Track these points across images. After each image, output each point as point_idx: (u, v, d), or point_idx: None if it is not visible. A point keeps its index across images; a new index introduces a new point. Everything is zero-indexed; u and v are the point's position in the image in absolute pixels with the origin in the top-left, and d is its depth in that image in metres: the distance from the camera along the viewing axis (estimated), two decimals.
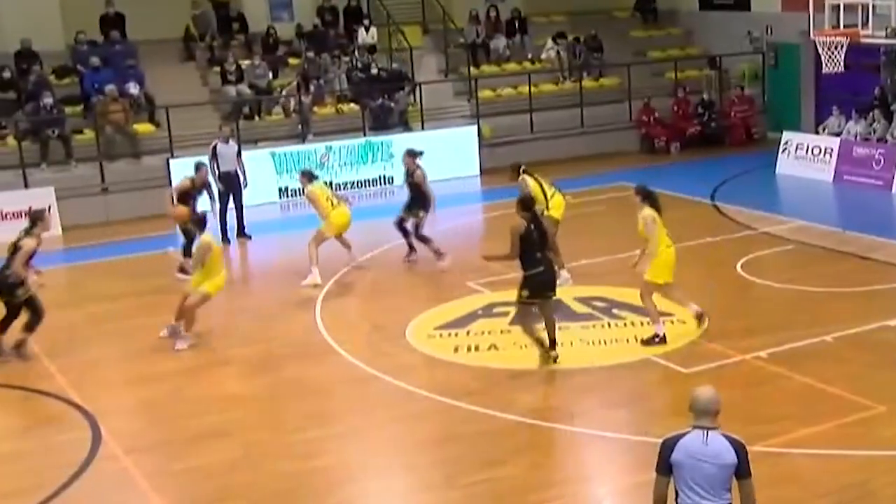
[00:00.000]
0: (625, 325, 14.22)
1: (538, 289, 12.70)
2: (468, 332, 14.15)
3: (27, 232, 13.95)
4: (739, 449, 6.69)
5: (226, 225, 19.29)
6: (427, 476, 10.63)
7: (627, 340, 13.69)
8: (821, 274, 16.01)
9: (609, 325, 14.27)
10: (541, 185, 15.97)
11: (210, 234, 14.33)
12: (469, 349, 13.61)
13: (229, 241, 19.25)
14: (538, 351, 12.88)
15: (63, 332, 14.95)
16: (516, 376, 12.81)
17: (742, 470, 6.69)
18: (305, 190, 17.33)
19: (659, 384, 12.40)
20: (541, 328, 12.96)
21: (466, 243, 18.75)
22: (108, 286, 17.27)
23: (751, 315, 14.64)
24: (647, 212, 13.20)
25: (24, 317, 14.00)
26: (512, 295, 15.35)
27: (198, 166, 18.17)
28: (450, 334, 14.16)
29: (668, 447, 6.75)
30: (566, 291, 15.19)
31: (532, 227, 12.62)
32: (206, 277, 14.08)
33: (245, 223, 19.62)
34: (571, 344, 13.57)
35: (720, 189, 22.05)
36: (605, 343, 13.70)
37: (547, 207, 15.61)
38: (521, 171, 16.22)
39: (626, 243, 17.41)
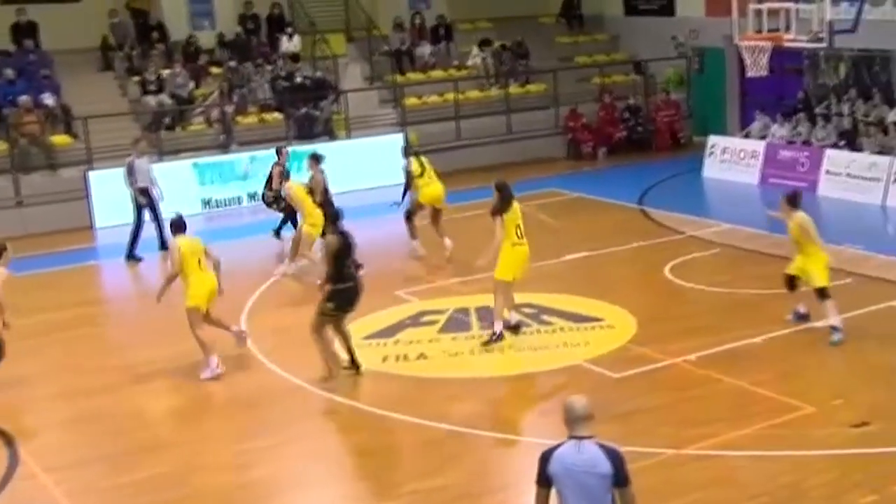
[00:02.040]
0: (554, 331, 14.12)
1: (344, 303, 12.65)
2: (396, 342, 13.98)
3: None
4: (615, 458, 6.57)
5: (137, 241, 19.00)
6: (362, 487, 10.51)
7: (558, 347, 13.60)
8: (748, 276, 16.05)
9: (539, 331, 14.16)
10: (422, 169, 17.73)
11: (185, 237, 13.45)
12: (398, 358, 13.45)
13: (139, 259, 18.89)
14: (329, 367, 12.67)
15: None
16: (446, 385, 12.67)
17: (619, 479, 6.56)
18: (286, 190, 17.56)
19: (590, 390, 12.22)
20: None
21: (394, 252, 18.54)
22: (28, 301, 16.65)
23: (680, 319, 14.60)
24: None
25: None
26: (441, 303, 15.30)
27: (278, 150, 19.06)
28: (378, 344, 13.94)
29: (544, 459, 6.65)
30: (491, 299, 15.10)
31: (343, 241, 12.61)
32: (186, 286, 13.22)
33: (165, 237, 19.24)
34: (502, 351, 13.48)
35: (648, 193, 22.11)
36: (536, 349, 13.59)
37: (416, 187, 17.78)
38: (409, 152, 18.19)
39: (555, 249, 17.41)
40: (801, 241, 13.39)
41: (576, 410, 6.63)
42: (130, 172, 19.03)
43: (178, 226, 13.39)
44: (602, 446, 6.58)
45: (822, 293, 13.33)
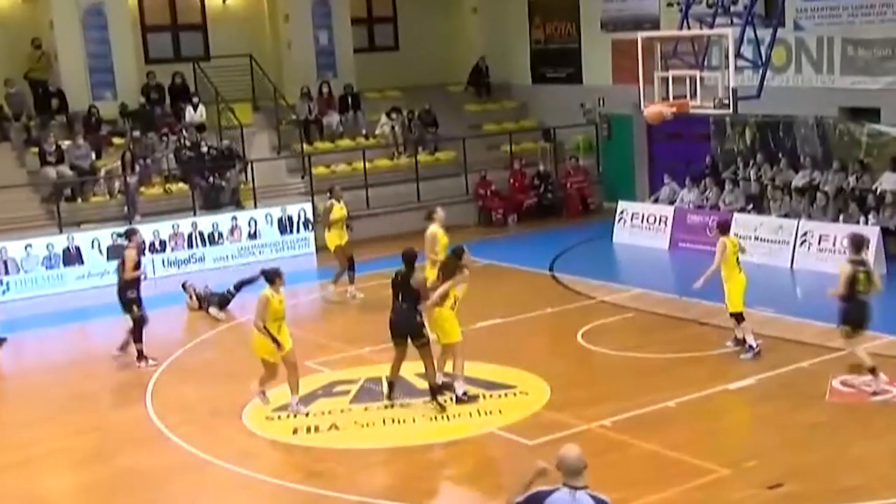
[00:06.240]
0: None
1: None
2: (307, 413, 13.67)
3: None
4: None
5: None
6: None
7: (470, 414, 13.40)
8: (660, 341, 16.02)
9: (451, 399, 13.90)
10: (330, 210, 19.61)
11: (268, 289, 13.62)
12: (309, 430, 13.17)
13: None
14: None
15: None
16: (358, 456, 12.41)
17: None
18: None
19: (505, 457, 12.12)
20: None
21: (303, 322, 18.21)
22: None
23: (593, 384, 14.55)
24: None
25: None
26: (353, 373, 15.04)
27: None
28: (289, 416, 13.63)
29: (537, 500, 6.75)
30: (405, 368, 14.86)
31: None
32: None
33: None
34: (414, 420, 13.30)
35: (558, 260, 22.08)
36: (449, 418, 13.36)
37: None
38: (330, 193, 20.12)
39: (466, 317, 17.14)
40: (722, 262, 14.68)
41: (572, 462, 6.78)
42: None
43: (270, 277, 13.83)
44: (594, 497, 6.76)
45: (736, 317, 14.82)
